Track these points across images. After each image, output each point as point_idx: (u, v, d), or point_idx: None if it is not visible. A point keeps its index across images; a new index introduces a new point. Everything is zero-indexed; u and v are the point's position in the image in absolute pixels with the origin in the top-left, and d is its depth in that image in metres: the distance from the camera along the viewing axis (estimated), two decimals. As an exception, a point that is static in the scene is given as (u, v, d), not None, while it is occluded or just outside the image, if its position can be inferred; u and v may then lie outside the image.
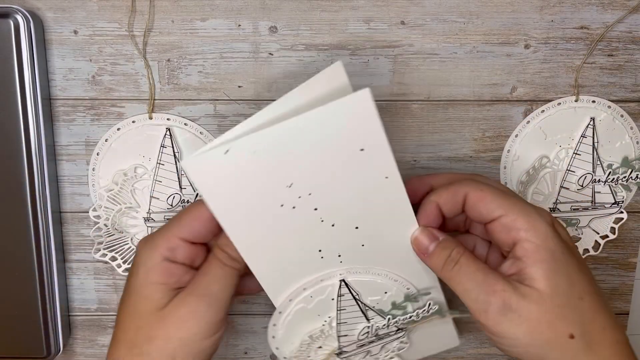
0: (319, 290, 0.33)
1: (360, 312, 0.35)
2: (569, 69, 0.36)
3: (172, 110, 0.36)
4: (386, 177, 0.29)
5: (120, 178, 0.37)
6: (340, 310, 0.34)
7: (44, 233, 0.36)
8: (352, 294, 0.34)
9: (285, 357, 0.36)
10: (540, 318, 0.28)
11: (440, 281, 0.34)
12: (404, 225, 0.31)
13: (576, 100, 0.37)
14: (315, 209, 0.30)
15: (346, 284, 0.33)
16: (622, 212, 0.39)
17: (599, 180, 0.38)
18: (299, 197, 0.29)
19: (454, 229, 0.35)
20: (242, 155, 0.27)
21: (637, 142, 0.38)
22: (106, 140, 0.36)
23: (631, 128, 0.37)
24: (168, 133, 0.36)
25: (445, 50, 0.36)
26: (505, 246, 0.31)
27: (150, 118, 0.36)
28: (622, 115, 0.37)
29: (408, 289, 0.34)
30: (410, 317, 0.35)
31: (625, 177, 0.38)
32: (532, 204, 0.31)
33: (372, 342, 0.36)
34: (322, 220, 0.30)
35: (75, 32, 0.35)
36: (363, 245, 0.32)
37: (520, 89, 0.37)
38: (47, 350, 0.37)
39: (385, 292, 0.34)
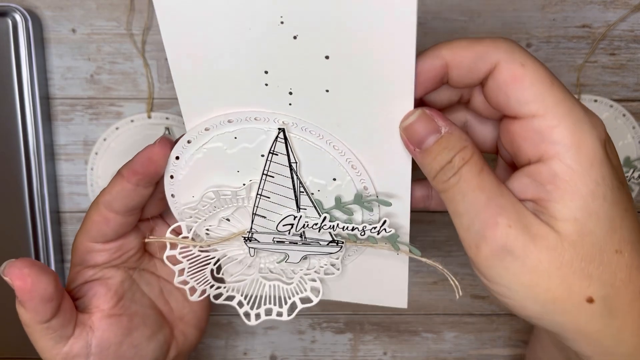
0: (248, 134, 0.24)
1: (292, 192, 0.25)
2: (571, 68, 0.36)
3: (171, 109, 0.36)
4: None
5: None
6: (267, 175, 0.24)
7: (42, 233, 0.36)
8: (288, 157, 0.24)
9: (178, 210, 0.27)
10: (552, 272, 0.20)
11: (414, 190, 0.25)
12: (395, 91, 0.21)
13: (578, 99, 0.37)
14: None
15: (285, 138, 0.23)
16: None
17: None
18: None
19: (443, 102, 0.24)
20: None
21: (639, 142, 0.37)
22: (105, 140, 0.36)
23: (633, 127, 0.37)
24: (167, 132, 0.36)
25: (446, 49, 0.36)
26: (523, 158, 0.21)
27: (149, 117, 0.36)
28: (624, 115, 0.37)
29: (366, 187, 0.24)
30: (354, 229, 0.25)
31: (627, 177, 0.38)
32: (586, 106, 0.21)
33: (294, 243, 0.27)
34: (282, 22, 0.20)
35: (74, 30, 0.35)
36: (327, 90, 0.22)
37: (521, 88, 0.37)
38: (45, 351, 0.37)
39: (334, 180, 0.24)
